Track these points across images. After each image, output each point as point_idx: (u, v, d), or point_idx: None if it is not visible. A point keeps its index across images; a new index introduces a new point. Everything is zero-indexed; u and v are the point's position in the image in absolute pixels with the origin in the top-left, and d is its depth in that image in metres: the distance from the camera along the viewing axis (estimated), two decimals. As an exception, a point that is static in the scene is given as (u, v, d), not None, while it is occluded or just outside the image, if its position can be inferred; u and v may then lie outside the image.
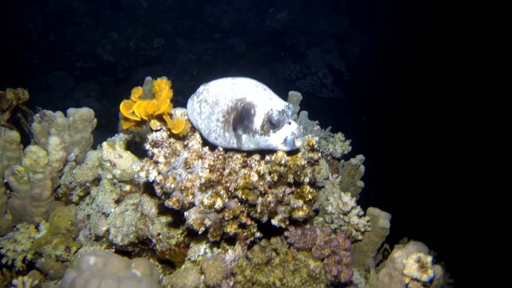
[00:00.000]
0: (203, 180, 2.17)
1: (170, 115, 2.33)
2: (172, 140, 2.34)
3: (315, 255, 2.41)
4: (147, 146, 2.33)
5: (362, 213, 3.28)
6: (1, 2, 11.32)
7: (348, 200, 3.26)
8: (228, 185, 2.17)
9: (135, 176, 3.12)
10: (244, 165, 2.28)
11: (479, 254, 8.23)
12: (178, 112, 2.47)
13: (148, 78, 4.07)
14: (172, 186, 2.14)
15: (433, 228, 7.86)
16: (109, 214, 3.11)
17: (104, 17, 13.16)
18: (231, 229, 2.24)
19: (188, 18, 14.14)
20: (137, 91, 2.28)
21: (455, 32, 11.52)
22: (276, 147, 2.14)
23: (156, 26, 13.38)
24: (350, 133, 4.36)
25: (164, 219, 2.68)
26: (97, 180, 3.50)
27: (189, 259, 2.58)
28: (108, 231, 3.00)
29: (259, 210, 2.25)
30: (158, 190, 2.21)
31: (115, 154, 3.15)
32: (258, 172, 2.19)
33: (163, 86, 2.27)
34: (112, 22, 13.10)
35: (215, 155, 2.22)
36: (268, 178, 2.23)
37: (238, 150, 2.29)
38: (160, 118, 2.33)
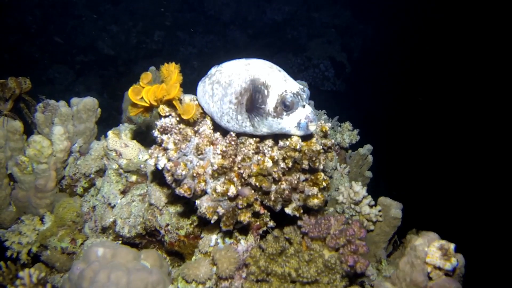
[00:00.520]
0: (215, 167, 2.09)
1: (180, 101, 2.25)
2: (181, 126, 2.26)
3: (330, 245, 2.34)
4: (156, 133, 2.26)
5: (373, 202, 3.21)
6: (0, -6, 11.20)
7: (360, 189, 3.18)
8: (241, 171, 2.09)
9: (142, 165, 3.04)
10: (257, 151, 2.20)
11: (487, 246, 8.17)
12: (187, 98, 2.39)
13: (152, 68, 3.99)
14: (184, 172, 2.06)
15: (440, 219, 7.80)
16: (115, 205, 3.04)
17: (104, 9, 13.02)
18: (244, 217, 2.16)
19: (189, 11, 13.99)
20: (146, 77, 2.20)
21: (457, 23, 11.41)
22: (289, 131, 2.06)
23: (157, 19, 13.24)
24: (353, 125, 4.28)
25: (172, 209, 2.60)
26: (101, 171, 3.42)
27: (199, 251, 2.50)
28: (114, 222, 2.93)
29: (273, 198, 2.17)
30: (168, 178, 2.13)
31: (121, 143, 3.07)
32: (272, 158, 2.11)
33: (172, 70, 2.18)
34: (112, 15, 12.96)
35: (227, 141, 2.14)
36: (282, 164, 2.15)
37: (251, 135, 2.21)
38: (169, 103, 2.25)
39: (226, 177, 2.13)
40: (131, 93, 2.21)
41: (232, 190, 2.06)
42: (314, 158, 2.13)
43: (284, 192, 2.15)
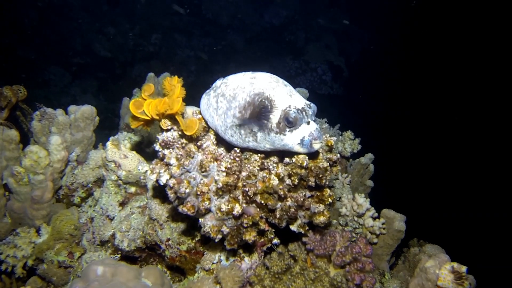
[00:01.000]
0: (220, 184, 2.02)
1: (182, 115, 2.18)
2: (184, 140, 2.20)
3: (336, 262, 2.28)
4: (157, 147, 2.19)
5: (376, 215, 3.16)
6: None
7: (363, 201, 3.13)
8: (246, 189, 2.03)
9: (141, 177, 2.97)
10: (262, 167, 2.14)
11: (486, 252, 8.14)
12: (189, 111, 2.33)
13: (151, 74, 3.92)
14: (187, 191, 1.99)
15: (438, 227, 7.76)
16: (113, 217, 2.96)
17: (100, 11, 12.92)
18: (250, 236, 2.09)
19: (186, 14, 13.92)
20: (148, 89, 2.13)
21: (454, 26, 11.42)
22: (292, 148, 1.99)
23: (154, 21, 13.17)
24: (350, 129, 4.24)
25: (174, 224, 2.54)
26: (100, 181, 3.34)
27: (202, 268, 2.43)
28: (113, 235, 2.85)
29: (278, 216, 2.11)
30: (171, 195, 2.06)
31: (120, 154, 3.00)
32: (277, 175, 2.06)
33: (174, 84, 2.12)
34: (109, 17, 12.87)
35: (232, 157, 2.08)
36: (288, 181, 2.09)
37: (255, 151, 2.15)
38: (171, 117, 2.19)
39: (231, 195, 2.07)
40: (132, 106, 2.14)
41: (237, 209, 1.99)
42: (321, 175, 2.08)
43: (289, 210, 2.09)
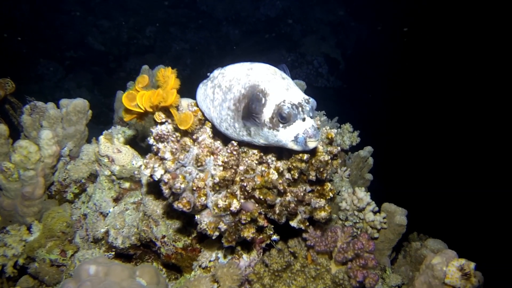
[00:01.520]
0: (217, 179, 1.93)
1: (177, 107, 2.09)
2: (178, 134, 2.11)
3: (337, 259, 2.21)
4: (151, 141, 2.09)
5: (377, 209, 3.09)
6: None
7: (364, 195, 3.06)
8: (244, 184, 1.94)
9: (135, 172, 2.87)
10: (261, 161, 2.05)
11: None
12: (184, 103, 2.23)
13: (145, 67, 3.82)
14: (183, 186, 1.90)
15: (438, 221, 7.72)
16: (107, 214, 2.87)
17: (94, 4, 12.74)
18: (248, 233, 2.01)
19: (181, 6, 13.76)
20: (142, 80, 2.03)
21: (451, 20, 11.35)
22: (286, 145, 1.87)
23: (148, 14, 13.00)
24: (347, 122, 4.18)
25: (169, 220, 2.45)
26: (93, 176, 3.25)
27: (199, 266, 2.35)
28: (107, 232, 2.76)
29: (277, 211, 2.03)
30: (166, 191, 1.97)
31: (114, 149, 2.90)
32: (277, 169, 1.97)
33: (168, 75, 2.02)
34: (103, 10, 12.69)
35: (229, 150, 1.99)
36: (288, 175, 2.01)
37: (251, 145, 2.06)
38: (165, 110, 2.09)
39: (228, 190, 1.98)
40: (125, 99, 2.05)
41: (235, 205, 1.91)
42: (321, 169, 1.99)
43: (289, 205, 2.01)
